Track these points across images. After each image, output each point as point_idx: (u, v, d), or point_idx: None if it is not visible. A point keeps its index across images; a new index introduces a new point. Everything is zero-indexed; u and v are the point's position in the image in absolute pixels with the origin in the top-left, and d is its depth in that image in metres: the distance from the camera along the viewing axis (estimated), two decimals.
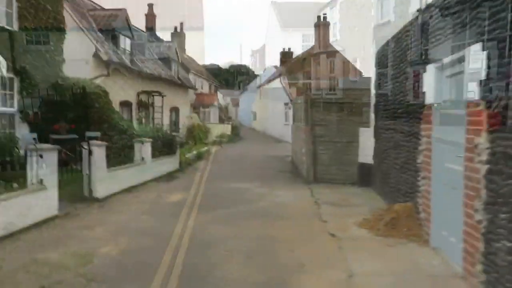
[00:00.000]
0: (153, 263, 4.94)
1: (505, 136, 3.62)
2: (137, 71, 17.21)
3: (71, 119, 11.83)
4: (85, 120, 11.95)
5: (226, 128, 30.36)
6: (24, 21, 10.71)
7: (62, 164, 7.56)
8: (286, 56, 40.76)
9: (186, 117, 25.38)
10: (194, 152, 17.00)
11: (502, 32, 3.62)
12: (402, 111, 6.96)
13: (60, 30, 12.29)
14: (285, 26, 45.40)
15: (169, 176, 12.07)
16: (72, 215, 7.21)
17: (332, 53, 32.11)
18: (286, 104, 28.87)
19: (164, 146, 12.55)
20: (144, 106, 17.94)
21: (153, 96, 18.64)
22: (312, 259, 5.17)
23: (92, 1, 19.35)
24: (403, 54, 6.93)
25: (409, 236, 5.81)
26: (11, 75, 10.24)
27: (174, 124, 22.59)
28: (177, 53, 24.34)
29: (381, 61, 8.87)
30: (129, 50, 17.31)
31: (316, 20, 26.22)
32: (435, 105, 5.39)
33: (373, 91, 9.78)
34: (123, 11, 17.18)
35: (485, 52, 3.92)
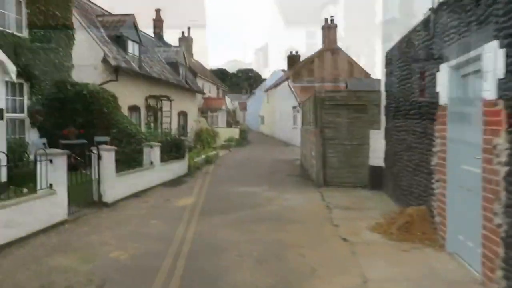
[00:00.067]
0: (163, 269, 4.86)
1: None
2: (145, 76, 17.28)
3: (80, 124, 11.90)
4: (94, 125, 12.00)
5: (234, 132, 30.34)
6: (33, 27, 10.80)
7: (72, 168, 7.54)
8: (293, 59, 40.75)
9: (194, 121, 25.41)
10: (203, 156, 16.97)
11: None
12: (414, 112, 6.83)
13: (69, 36, 12.39)
14: (289, 23, 45.46)
15: (178, 180, 12.04)
16: (81, 220, 7.18)
17: (340, 55, 32.00)
18: (294, 107, 28.79)
19: (173, 150, 12.53)
20: (152, 110, 17.99)
21: (161, 100, 18.70)
22: (324, 264, 5.05)
23: (100, 7, 19.49)
24: (415, 54, 6.80)
25: (423, 240, 5.66)
26: (21, 81, 10.32)
27: (182, 128, 22.63)
28: (184, 58, 24.43)
29: (391, 61, 8.74)
30: (137, 55, 17.40)
31: (319, 17, 26.10)
32: (450, 105, 5.25)
33: (383, 92, 9.65)
34: (131, 16, 17.29)
35: (502, 50, 3.80)
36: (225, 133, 28.68)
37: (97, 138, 11.18)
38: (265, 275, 4.70)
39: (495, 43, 3.92)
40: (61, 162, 6.83)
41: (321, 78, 31.12)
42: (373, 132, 10.22)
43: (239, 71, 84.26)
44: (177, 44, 30.97)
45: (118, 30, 16.35)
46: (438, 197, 5.61)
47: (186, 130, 23.14)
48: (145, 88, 17.44)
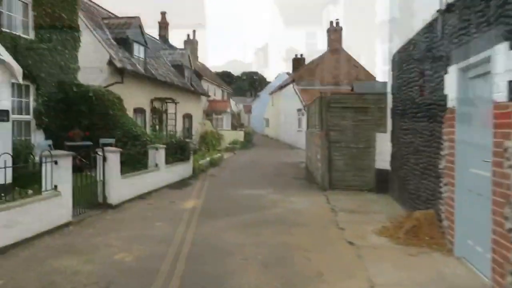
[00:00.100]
0: (167, 271, 4.82)
1: None
2: (151, 78, 17.31)
3: (85, 126, 11.92)
4: (99, 126, 12.03)
5: (239, 135, 30.32)
6: (40, 29, 10.85)
7: (77, 170, 7.54)
8: (298, 62, 40.73)
9: (199, 124, 25.43)
10: (207, 158, 16.95)
11: None
12: (422, 115, 6.75)
13: (75, 38, 12.44)
14: (289, 22, 45.69)
15: (183, 183, 12.02)
16: (86, 221, 7.17)
17: (345, 58, 31.94)
18: (299, 110, 28.74)
19: (178, 152, 12.52)
20: (157, 112, 18.02)
21: (166, 103, 18.73)
22: (331, 268, 4.99)
23: (106, 10, 19.59)
24: (423, 56, 6.74)
25: (431, 245, 5.58)
26: (27, 83, 10.35)
27: (187, 130, 22.65)
28: (190, 60, 24.47)
29: (397, 64, 8.68)
30: (143, 57, 17.44)
31: (320, 16, 26.21)
32: (459, 107, 5.19)
33: (389, 95, 9.58)
34: (136, 19, 17.35)
35: None
36: (230, 135, 28.66)
37: (103, 140, 11.19)
38: (271, 278, 4.65)
39: (505, 45, 3.86)
40: (66, 164, 6.82)
41: (326, 81, 31.07)
42: (379, 135, 10.15)
43: (244, 73, 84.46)
44: (175, 43, 31.04)
45: (124, 33, 16.41)
46: (446, 201, 5.53)
47: (191, 132, 23.15)
48: (151, 91, 17.47)
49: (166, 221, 7.36)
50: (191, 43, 34.14)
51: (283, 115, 36.47)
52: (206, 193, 10.44)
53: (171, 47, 27.89)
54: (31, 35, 10.63)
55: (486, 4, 4.34)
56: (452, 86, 5.30)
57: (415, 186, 7.24)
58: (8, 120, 7.82)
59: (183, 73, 23.16)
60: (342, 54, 32.21)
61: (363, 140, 10.42)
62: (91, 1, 18.21)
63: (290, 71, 41.24)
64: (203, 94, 27.26)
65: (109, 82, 14.10)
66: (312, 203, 9.04)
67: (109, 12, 19.72)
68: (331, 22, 32.67)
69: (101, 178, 8.23)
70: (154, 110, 17.71)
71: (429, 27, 6.42)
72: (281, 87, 38.35)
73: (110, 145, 10.08)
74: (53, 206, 6.45)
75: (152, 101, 17.56)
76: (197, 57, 34.95)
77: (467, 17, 4.90)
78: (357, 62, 32.41)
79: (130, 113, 14.29)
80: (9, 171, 7.04)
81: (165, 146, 11.42)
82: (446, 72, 5.54)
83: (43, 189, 6.46)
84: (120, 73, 14.48)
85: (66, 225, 6.69)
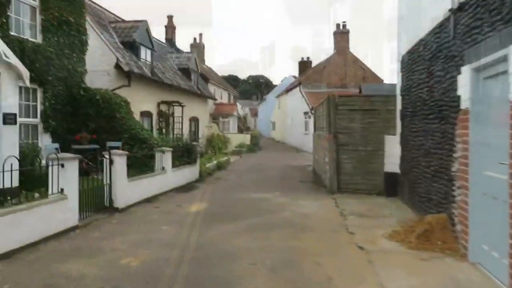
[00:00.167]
0: (174, 276, 4.73)
1: None
2: (158, 82, 17.31)
3: (92, 129, 11.95)
4: (106, 130, 12.04)
5: (245, 138, 30.25)
6: (47, 33, 10.88)
7: (83, 173, 7.50)
8: (304, 64, 40.64)
9: (205, 127, 25.40)
10: (214, 161, 16.88)
11: None
12: (433, 116, 6.61)
13: (82, 42, 12.48)
14: (295, 21, 45.91)
15: (190, 186, 11.95)
16: (92, 225, 7.11)
17: (352, 60, 31.78)
18: (305, 113, 28.60)
19: (184, 155, 12.46)
20: (164, 116, 18.01)
21: (173, 106, 18.72)
22: (341, 273, 4.87)
23: (113, 14, 19.67)
24: (434, 57, 6.61)
25: (444, 249, 5.43)
26: (34, 86, 10.38)
27: (194, 134, 22.62)
28: (196, 64, 24.49)
29: (407, 65, 8.55)
30: (150, 60, 17.46)
31: (326, 15, 26.21)
32: (472, 108, 5.05)
33: (398, 97, 9.44)
34: (143, 22, 17.39)
35: None
36: (237, 139, 28.60)
37: (109, 143, 11.18)
38: (280, 283, 4.54)
39: None
40: (72, 167, 6.78)
41: (333, 83, 30.93)
42: (388, 138, 10.00)
43: (250, 77, 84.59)
44: (181, 45, 31.12)
45: (131, 36, 16.45)
46: (460, 205, 5.38)
47: (197, 135, 23.12)
48: (157, 94, 17.47)
49: (172, 224, 7.29)
50: (197, 47, 34.23)
51: (289, 118, 36.36)
52: (213, 197, 10.35)
53: (178, 50, 27.96)
54: (39, 39, 10.66)
55: (501, 1, 4.22)
56: (466, 86, 5.17)
57: (426, 189, 7.09)
58: (15, 123, 7.82)
59: (190, 77, 23.17)
60: (349, 57, 32.06)
61: (371, 143, 10.29)
62: (98, 5, 18.29)
63: (296, 69, 41.10)
64: (209, 98, 27.25)
65: (116, 85, 14.11)
66: (320, 207, 8.91)
67: (116, 16, 19.80)
68: (338, 25, 32.55)
69: (108, 182, 8.19)
70: (160, 114, 17.70)
71: (440, 27, 6.30)
72: (287, 90, 38.28)
73: (117, 148, 10.05)
74: (60, 209, 6.41)
75: (158, 104, 17.56)
76: (203, 61, 35.02)
77: (481, 16, 4.78)
78: (364, 64, 32.24)
79: (137, 116, 14.29)
80: (16, 174, 7.02)
81: (171, 149, 11.36)
82: (459, 73, 5.42)
83: (50, 192, 6.42)
84: (127, 76, 14.49)
85: (73, 228, 6.64)
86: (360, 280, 4.65)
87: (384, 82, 28.49)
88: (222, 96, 36.91)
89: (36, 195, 6.83)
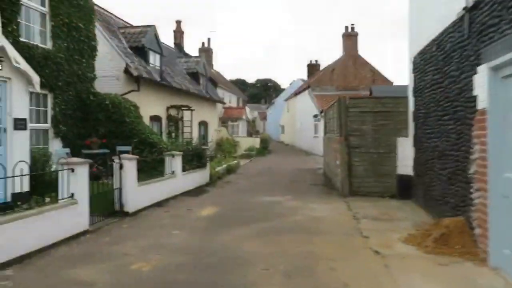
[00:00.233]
0: (186, 282, 4.65)
1: None
2: (167, 86, 17.34)
3: (102, 133, 11.97)
4: (116, 134, 12.06)
5: (255, 142, 30.20)
6: (57, 39, 10.95)
7: (94, 178, 7.48)
8: (313, 67, 40.54)
9: (214, 131, 25.39)
10: (224, 165, 16.81)
11: None
12: (448, 118, 6.46)
13: (92, 47, 12.53)
14: (299, 20, 45.94)
15: (200, 190, 11.89)
16: (103, 230, 7.07)
17: (361, 63, 31.59)
18: (315, 116, 28.45)
19: (194, 159, 12.41)
20: (173, 120, 18.02)
21: (182, 110, 18.73)
22: (356, 278, 4.73)
23: (122, 19, 19.80)
24: (447, 57, 6.47)
25: (463, 254, 5.27)
26: (45, 91, 10.44)
27: (203, 137, 22.61)
28: (205, 68, 24.52)
29: (419, 66, 8.40)
30: (159, 65, 17.50)
31: (330, 15, 26.17)
32: (490, 108, 4.90)
33: (411, 98, 9.28)
34: (152, 27, 17.45)
35: None
36: (246, 142, 28.55)
37: (119, 148, 11.18)
38: None
39: None
40: (82, 172, 6.75)
41: (342, 86, 30.77)
42: (400, 140, 9.84)
43: (258, 80, 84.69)
44: (187, 50, 31.20)
45: (139, 41, 16.51)
46: (478, 208, 5.22)
47: (206, 139, 23.11)
48: (166, 98, 17.50)
49: (183, 229, 7.21)
50: (206, 51, 34.33)
51: (298, 122, 36.24)
52: (224, 200, 10.27)
53: (186, 55, 28.06)
54: (49, 45, 10.72)
55: None
56: (483, 86, 5.03)
57: (441, 192, 6.92)
58: (26, 129, 7.83)
59: (199, 81, 23.21)
60: (358, 59, 31.88)
61: (383, 145, 10.13)
62: (108, 11, 18.41)
63: (300, 69, 41.04)
64: (218, 101, 27.26)
65: (126, 90, 14.15)
66: (332, 210, 8.77)
67: (125, 21, 19.92)
68: (346, 27, 32.41)
69: (118, 186, 8.15)
70: (170, 118, 17.72)
71: (454, 26, 6.16)
72: (296, 93, 38.18)
73: (127, 152, 10.03)
74: (70, 214, 6.37)
75: (168, 108, 17.58)
76: (212, 65, 35.10)
77: (498, 13, 4.64)
78: (373, 66, 32.03)
79: (146, 120, 14.31)
80: (27, 179, 7.02)
81: (181, 153, 11.32)
82: (475, 72, 5.28)
83: (60, 197, 6.40)
84: (136, 81, 14.53)
85: (83, 233, 6.60)
86: (377, 286, 4.51)
87: (394, 84, 28.24)
88: (231, 100, 36.93)
89: (47, 200, 6.81)
